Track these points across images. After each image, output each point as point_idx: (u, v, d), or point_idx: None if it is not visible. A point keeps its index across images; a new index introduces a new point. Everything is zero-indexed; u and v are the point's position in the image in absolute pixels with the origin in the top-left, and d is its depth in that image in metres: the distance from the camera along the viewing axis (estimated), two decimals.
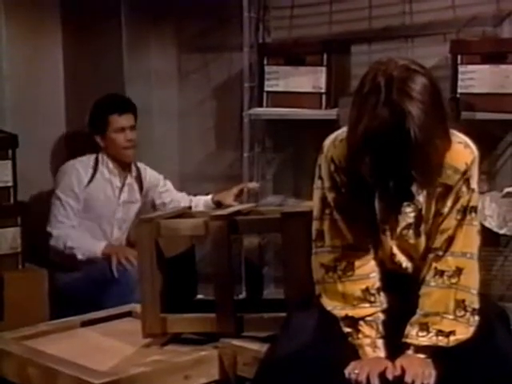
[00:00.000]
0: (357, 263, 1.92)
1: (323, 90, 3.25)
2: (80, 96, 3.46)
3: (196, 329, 2.35)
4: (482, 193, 2.97)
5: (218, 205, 3.31)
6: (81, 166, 3.26)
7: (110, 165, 3.28)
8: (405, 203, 1.90)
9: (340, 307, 1.93)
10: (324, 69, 3.24)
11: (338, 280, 1.93)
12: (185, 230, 2.37)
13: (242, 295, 2.67)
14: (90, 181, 3.24)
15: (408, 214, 1.91)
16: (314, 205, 1.98)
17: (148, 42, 3.27)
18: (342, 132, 1.90)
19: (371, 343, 1.91)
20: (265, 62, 3.34)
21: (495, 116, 3.02)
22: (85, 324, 2.57)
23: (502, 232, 3.03)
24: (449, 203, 1.88)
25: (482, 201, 2.96)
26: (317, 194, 1.97)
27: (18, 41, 3.34)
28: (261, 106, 3.36)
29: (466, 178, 1.88)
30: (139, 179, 3.36)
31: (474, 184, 1.90)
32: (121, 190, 3.31)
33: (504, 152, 3.26)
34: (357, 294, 1.92)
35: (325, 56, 3.24)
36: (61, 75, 3.51)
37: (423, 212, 1.91)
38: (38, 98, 3.25)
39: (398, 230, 1.92)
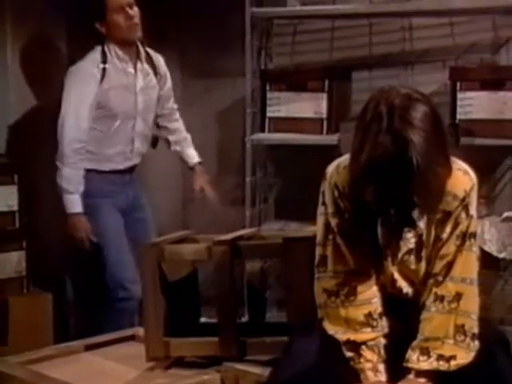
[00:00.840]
0: (359, 288, 1.95)
1: (324, 116, 3.29)
2: None
3: (199, 352, 2.37)
4: (481, 217, 3.00)
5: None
6: (90, 63, 3.03)
7: (119, 52, 3.06)
8: (406, 229, 1.92)
9: (342, 331, 1.95)
10: (325, 95, 3.28)
11: (341, 305, 1.95)
12: (188, 255, 2.40)
13: (245, 318, 2.69)
14: (103, 76, 3.03)
15: (409, 240, 1.94)
16: (317, 230, 2.01)
17: None
18: (345, 159, 1.92)
19: (373, 367, 1.93)
20: (267, 87, 3.38)
21: (494, 141, 3.06)
22: (89, 348, 2.58)
23: (501, 256, 3.06)
24: (448, 229, 1.91)
25: (481, 225, 2.99)
26: (320, 220, 1.99)
27: (24, 71, 3.37)
28: (263, 131, 3.39)
29: (464, 204, 1.90)
30: (151, 63, 3.17)
31: (473, 210, 1.92)
32: (135, 76, 3.11)
33: (503, 176, 3.29)
34: (359, 318, 1.94)
35: (326, 82, 3.28)
36: None
37: (424, 238, 1.93)
38: (43, 123, 3.27)
39: (400, 255, 1.95)
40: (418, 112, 1.76)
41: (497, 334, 2.04)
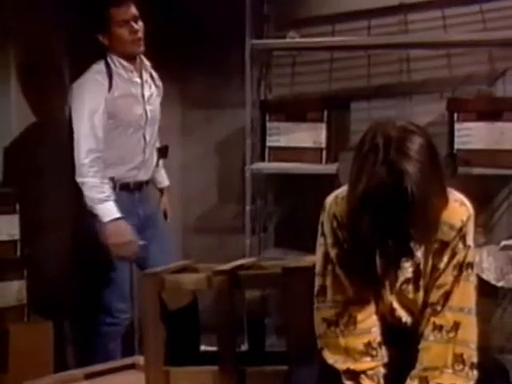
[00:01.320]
0: (359, 318, 1.96)
1: (323, 146, 3.33)
2: None
3: (199, 382, 2.37)
4: (479, 246, 3.02)
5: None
6: (95, 74, 3.00)
7: (123, 62, 3.04)
8: (403, 258, 1.94)
9: (342, 361, 1.96)
10: (324, 125, 3.32)
11: (341, 334, 1.96)
12: (188, 285, 2.42)
13: (244, 345, 2.71)
14: (111, 85, 2.99)
15: (407, 269, 1.96)
16: (316, 261, 2.02)
17: None
18: (344, 190, 1.95)
19: None
20: (266, 118, 3.42)
21: (491, 171, 3.11)
22: (88, 377, 2.59)
23: (499, 285, 3.07)
24: (445, 259, 1.93)
25: (479, 254, 3.02)
26: (320, 251, 2.01)
27: (27, 107, 3.40)
28: (263, 160, 3.44)
29: (461, 234, 1.92)
30: (150, 75, 3.17)
31: (470, 241, 1.95)
32: (142, 85, 3.10)
33: (500, 206, 3.33)
34: (359, 348, 1.95)
35: (325, 112, 3.33)
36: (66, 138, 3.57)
37: (421, 267, 1.95)
38: (44, 157, 3.29)
39: (398, 284, 1.96)
40: (414, 144, 1.78)
41: (496, 364, 2.06)
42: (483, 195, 3.15)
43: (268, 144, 3.42)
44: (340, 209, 1.95)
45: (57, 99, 3.37)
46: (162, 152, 3.26)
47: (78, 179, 2.96)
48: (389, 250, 1.85)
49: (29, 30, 3.32)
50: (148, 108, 3.11)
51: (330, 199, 2.00)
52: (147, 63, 3.15)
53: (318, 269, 2.01)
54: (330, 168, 3.28)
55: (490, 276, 3.05)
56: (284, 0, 3.46)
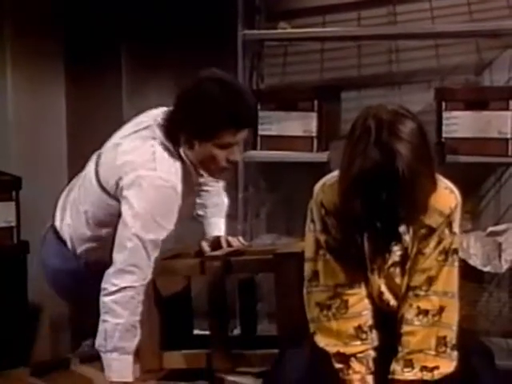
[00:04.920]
0: (350, 301, 2.01)
1: (314, 134, 3.35)
2: (81, 143, 3.52)
3: (191, 364, 2.43)
4: (466, 231, 3.08)
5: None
6: (172, 188, 2.27)
7: (193, 173, 2.39)
8: (392, 242, 1.98)
9: (333, 344, 2.01)
10: (315, 114, 3.34)
11: (332, 317, 2.01)
12: (181, 271, 2.47)
13: (237, 329, 2.76)
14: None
15: (395, 253, 2.01)
16: (306, 246, 2.06)
17: (147, 92, 3.36)
18: (331, 177, 2.00)
19: (361, 379, 2.00)
20: (258, 107, 3.44)
21: (478, 159, 3.13)
22: (83, 361, 2.63)
23: (486, 270, 3.11)
24: (431, 244, 1.98)
25: (466, 240, 3.06)
26: (310, 236, 2.05)
27: (23, 89, 3.41)
28: (255, 149, 3.45)
29: (448, 221, 1.98)
30: None
31: (456, 228, 2.00)
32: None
33: (487, 193, 3.37)
34: (350, 331, 2.00)
35: (316, 102, 3.34)
36: (63, 123, 3.55)
37: (409, 251, 2.00)
38: (41, 144, 3.32)
39: (386, 267, 2.01)
40: (406, 126, 1.82)
41: (482, 346, 2.11)
42: (470, 182, 3.19)
43: (260, 133, 3.43)
44: (327, 196, 1.99)
45: (53, 87, 3.39)
46: None
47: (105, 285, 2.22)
48: (378, 233, 1.90)
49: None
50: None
51: (317, 186, 2.04)
52: None
53: (309, 254, 2.05)
54: (321, 156, 3.30)
55: (476, 261, 3.09)
56: None
